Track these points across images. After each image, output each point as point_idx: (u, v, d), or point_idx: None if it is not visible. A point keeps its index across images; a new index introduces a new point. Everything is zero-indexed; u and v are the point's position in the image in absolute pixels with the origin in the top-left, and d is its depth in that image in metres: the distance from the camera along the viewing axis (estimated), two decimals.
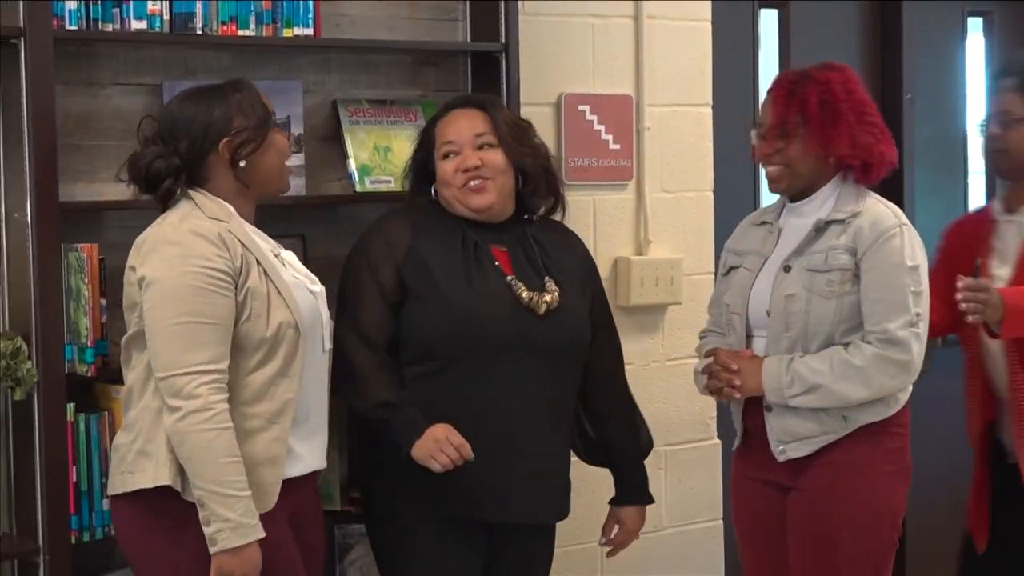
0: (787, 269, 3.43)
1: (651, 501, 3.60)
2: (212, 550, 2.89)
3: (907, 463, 3.52)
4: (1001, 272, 3.68)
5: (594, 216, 4.28)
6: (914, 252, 3.42)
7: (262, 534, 2.92)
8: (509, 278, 3.31)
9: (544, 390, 3.31)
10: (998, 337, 3.52)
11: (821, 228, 3.44)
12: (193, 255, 2.95)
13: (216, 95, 3.10)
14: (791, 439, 3.41)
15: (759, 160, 3.55)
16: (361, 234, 3.41)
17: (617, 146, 4.30)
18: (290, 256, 3.20)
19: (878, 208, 3.46)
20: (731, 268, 3.59)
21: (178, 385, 2.90)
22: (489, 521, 3.32)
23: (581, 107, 4.23)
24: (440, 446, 3.16)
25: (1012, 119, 3.67)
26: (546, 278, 3.36)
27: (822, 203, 3.47)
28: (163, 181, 3.06)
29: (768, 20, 5.07)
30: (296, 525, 3.11)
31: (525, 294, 3.30)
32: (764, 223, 3.59)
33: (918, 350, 3.39)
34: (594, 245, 4.22)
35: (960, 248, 3.76)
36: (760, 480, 3.51)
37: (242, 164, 3.07)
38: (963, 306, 3.39)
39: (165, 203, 3.10)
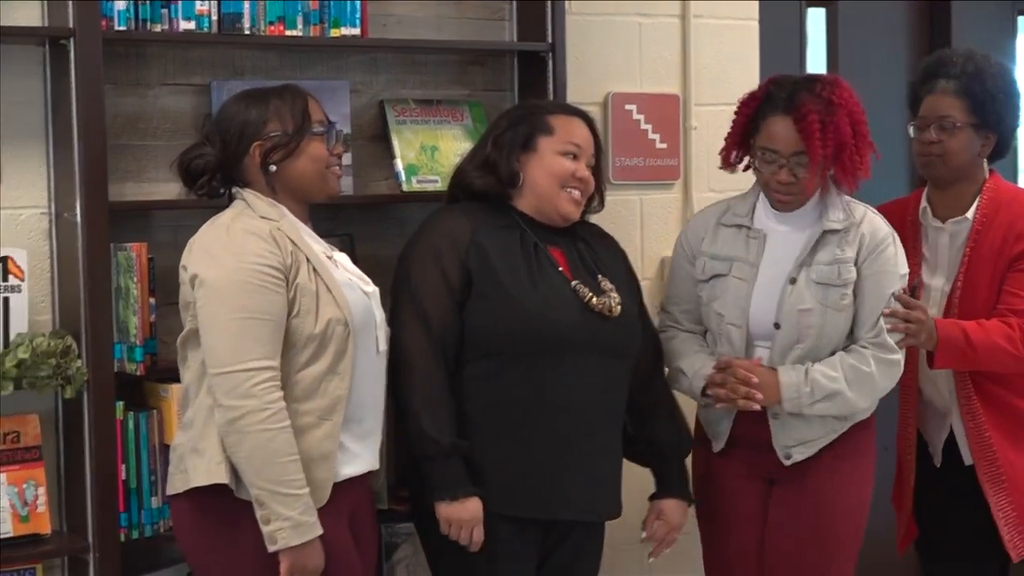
0: (793, 281, 3.44)
1: (691, 499, 3.59)
2: (272, 548, 2.90)
3: (875, 453, 3.62)
4: (935, 282, 3.68)
5: (641, 215, 4.27)
6: (905, 260, 3.51)
7: (320, 531, 2.93)
8: (574, 283, 3.32)
9: (605, 389, 3.33)
10: (932, 366, 3.56)
11: (819, 239, 3.46)
12: (245, 252, 2.96)
13: (257, 99, 3.11)
14: (796, 443, 3.48)
15: (776, 187, 3.45)
16: (418, 229, 3.38)
17: (664, 145, 4.29)
18: (343, 258, 3.20)
19: (870, 216, 3.51)
20: (715, 275, 3.54)
21: (234, 382, 2.89)
22: (551, 519, 3.32)
23: (628, 106, 4.23)
24: (461, 528, 3.20)
25: (954, 125, 3.61)
26: (600, 277, 3.38)
27: (810, 209, 3.49)
28: (200, 177, 3.10)
29: (816, 19, 5.05)
30: (353, 526, 3.11)
31: (595, 300, 3.31)
32: (739, 226, 3.55)
33: (903, 351, 3.50)
34: (641, 244, 4.21)
35: None
36: (754, 477, 3.55)
37: (272, 169, 3.08)
38: (900, 325, 3.44)
39: (210, 199, 3.13)
